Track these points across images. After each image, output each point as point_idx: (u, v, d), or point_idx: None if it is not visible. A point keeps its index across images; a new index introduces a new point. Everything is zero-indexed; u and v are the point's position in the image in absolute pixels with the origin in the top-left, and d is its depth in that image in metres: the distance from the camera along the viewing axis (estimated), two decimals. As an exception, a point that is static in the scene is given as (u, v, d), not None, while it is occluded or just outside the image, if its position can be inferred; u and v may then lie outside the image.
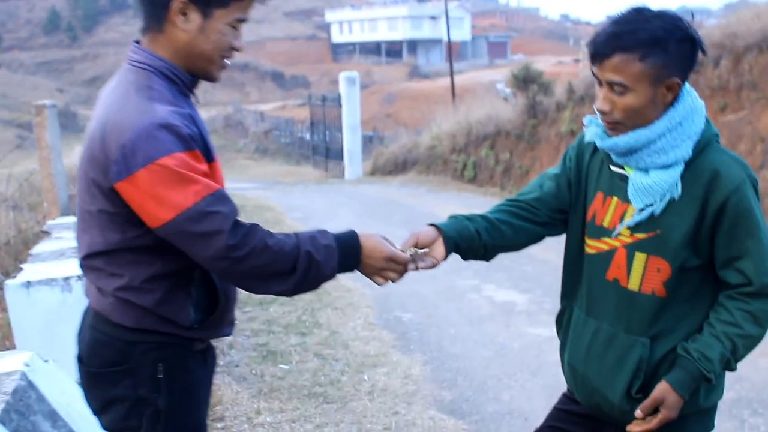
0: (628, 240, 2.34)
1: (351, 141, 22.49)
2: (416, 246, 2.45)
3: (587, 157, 2.53)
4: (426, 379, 5.52)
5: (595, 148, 2.50)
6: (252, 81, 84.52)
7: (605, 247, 2.41)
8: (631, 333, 2.36)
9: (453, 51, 30.25)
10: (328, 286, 7.94)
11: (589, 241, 2.48)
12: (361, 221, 12.47)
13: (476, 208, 12.30)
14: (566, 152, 2.62)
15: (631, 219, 2.32)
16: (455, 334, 6.54)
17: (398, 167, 20.83)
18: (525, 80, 17.19)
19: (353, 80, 22.66)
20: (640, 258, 2.33)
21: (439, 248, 2.46)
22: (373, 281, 2.41)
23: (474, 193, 15.93)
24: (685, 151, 2.25)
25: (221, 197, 2.17)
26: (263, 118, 47.73)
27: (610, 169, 2.42)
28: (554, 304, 2.75)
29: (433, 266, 2.46)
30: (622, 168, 2.37)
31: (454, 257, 2.57)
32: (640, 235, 2.32)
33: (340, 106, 22.87)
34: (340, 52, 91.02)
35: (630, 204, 2.33)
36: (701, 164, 2.25)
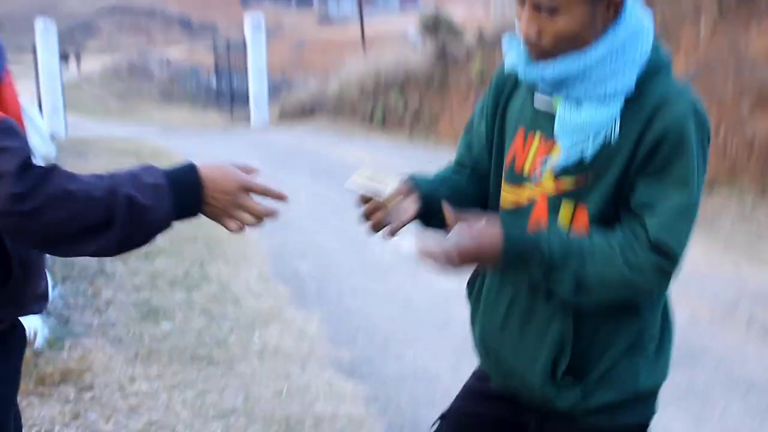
0: (551, 188, 1.87)
1: (257, 87, 21.73)
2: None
3: (509, 86, 2.03)
4: (323, 338, 5.04)
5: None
6: (158, 27, 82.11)
7: (524, 197, 1.93)
8: (553, 302, 1.89)
9: (363, -3, 29.59)
10: (219, 235, 7.38)
11: (506, 190, 1.99)
12: (262, 167, 11.87)
13: (385, 154, 11.81)
14: (489, 84, 2.12)
15: (555, 163, 1.84)
16: (356, 287, 6.08)
17: (306, 113, 20.21)
18: (434, 26, 16.70)
19: (258, 24, 21.84)
20: (565, 210, 1.85)
21: (412, 205, 1.92)
22: (225, 227, 1.84)
23: (382, 139, 15.45)
24: (627, 81, 1.76)
25: (7, 129, 1.60)
26: (169, 64, 46.33)
27: (534, 97, 1.93)
28: (464, 254, 2.28)
29: (401, 227, 1.90)
30: (550, 97, 1.88)
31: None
32: (566, 181, 1.85)
33: (245, 50, 22.06)
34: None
35: (555, 142, 1.85)
36: (645, 96, 1.77)
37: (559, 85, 1.81)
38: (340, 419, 3.99)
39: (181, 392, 4.20)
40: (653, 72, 1.79)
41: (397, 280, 6.22)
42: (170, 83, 42.08)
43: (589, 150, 1.78)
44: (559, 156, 1.82)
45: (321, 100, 19.83)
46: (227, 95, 25.22)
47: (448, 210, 1.82)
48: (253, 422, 3.93)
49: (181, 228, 6.67)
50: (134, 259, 6.49)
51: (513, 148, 1.96)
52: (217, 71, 27.67)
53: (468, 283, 2.19)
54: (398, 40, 22.66)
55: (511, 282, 1.97)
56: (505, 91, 2.03)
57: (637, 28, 1.78)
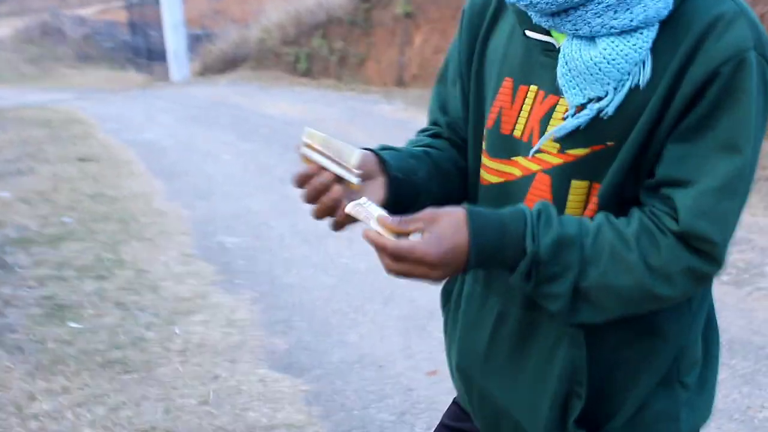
0: (556, 161, 1.29)
1: (174, 40, 20.75)
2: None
3: (488, 17, 1.43)
4: (254, 324, 4.45)
5: (501, 3, 1.41)
6: (69, -16, 79.40)
7: (516, 173, 1.35)
8: (557, 318, 1.32)
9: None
10: (135, 210, 6.70)
11: (487, 162, 1.40)
12: (183, 127, 11.12)
13: (311, 103, 11.13)
14: (461, 15, 1.51)
15: (560, 126, 1.26)
16: (290, 259, 5.48)
17: (228, 65, 19.37)
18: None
19: (170, -27, 20.78)
20: (578, 189, 1.28)
21: (378, 190, 1.33)
22: None
23: (308, 87, 14.76)
24: (662, 2, 1.18)
25: None
26: (84, 23, 44.64)
27: (525, 35, 1.33)
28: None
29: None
30: (548, 33, 1.29)
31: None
32: (578, 152, 1.26)
33: (158, 3, 21.01)
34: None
35: (561, 97, 1.27)
36: (684, 18, 1.19)
37: (561, 15, 1.22)
38: (277, 428, 3.43)
39: (90, 409, 3.59)
40: None
41: (334, 246, 5.64)
42: (86, 43, 40.51)
43: (612, 105, 1.21)
44: (567, 116, 1.25)
45: (243, 51, 19.01)
46: (143, 51, 24.16)
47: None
48: (176, 441, 3.36)
49: (91, 205, 5.87)
50: (38, 245, 5.79)
51: (497, 104, 1.37)
52: (132, 27, 26.50)
53: (443, 290, 1.63)
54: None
55: (498, 290, 1.41)
56: (483, 24, 1.44)
57: None
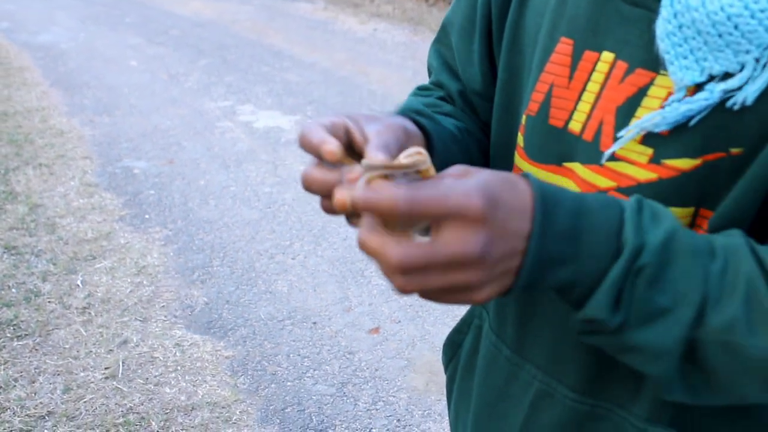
0: (644, 175, 0.78)
1: (73, -73, 19.28)
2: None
3: None
4: (168, 272, 3.90)
5: None
6: None
7: (570, 188, 0.82)
8: (632, 409, 0.87)
9: None
10: (30, 129, 5.95)
11: (525, 167, 0.91)
12: (85, 27, 10.18)
13: (225, 1, 10.16)
14: None
15: (657, 116, 0.75)
16: (206, 188, 4.89)
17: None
18: None
19: None
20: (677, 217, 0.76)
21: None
22: None
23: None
24: None
25: None
26: None
27: None
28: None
29: None
30: None
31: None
32: (683, 163, 0.76)
33: None
34: None
35: (659, 72, 0.77)
36: None
37: None
38: (198, 409, 2.94)
39: (-26, 388, 3.05)
40: None
41: (255, 171, 5.08)
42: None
43: (750, 89, 0.71)
44: (671, 101, 0.75)
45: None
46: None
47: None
48: (77, 429, 2.84)
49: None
50: None
51: (546, 79, 0.87)
52: None
53: (448, 340, 1.16)
54: None
55: (537, 358, 0.95)
56: None
57: None
